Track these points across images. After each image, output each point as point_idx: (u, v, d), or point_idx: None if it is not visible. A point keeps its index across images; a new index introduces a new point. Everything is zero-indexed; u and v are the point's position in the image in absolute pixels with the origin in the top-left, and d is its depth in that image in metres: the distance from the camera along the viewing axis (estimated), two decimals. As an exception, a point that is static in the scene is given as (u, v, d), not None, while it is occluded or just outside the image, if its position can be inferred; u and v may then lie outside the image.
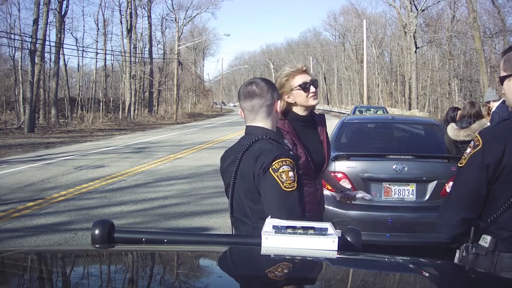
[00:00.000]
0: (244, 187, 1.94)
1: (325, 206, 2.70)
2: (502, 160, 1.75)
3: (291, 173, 1.82)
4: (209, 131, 25.12)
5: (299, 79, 2.38)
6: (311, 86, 2.41)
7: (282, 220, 1.41)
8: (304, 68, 2.44)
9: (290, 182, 1.81)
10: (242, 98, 2.01)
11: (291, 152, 1.99)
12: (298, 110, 2.45)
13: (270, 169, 1.81)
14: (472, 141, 1.87)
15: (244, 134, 2.06)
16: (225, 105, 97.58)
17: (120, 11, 39.55)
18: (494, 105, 6.21)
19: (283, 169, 1.81)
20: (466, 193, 1.85)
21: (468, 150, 1.86)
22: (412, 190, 4.40)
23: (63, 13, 30.22)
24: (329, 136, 5.05)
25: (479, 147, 1.80)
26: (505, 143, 1.75)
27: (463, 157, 1.88)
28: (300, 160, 2.14)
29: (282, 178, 1.80)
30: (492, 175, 1.77)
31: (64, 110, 33.87)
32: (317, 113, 2.62)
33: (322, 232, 1.33)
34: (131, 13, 39.45)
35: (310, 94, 2.41)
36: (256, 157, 1.87)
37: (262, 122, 1.99)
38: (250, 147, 1.92)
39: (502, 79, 1.89)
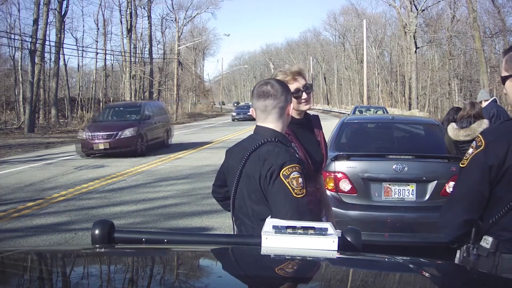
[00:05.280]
0: (249, 188, 1.93)
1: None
2: (505, 161, 1.73)
3: (300, 179, 1.83)
4: (209, 131, 25.12)
5: (292, 87, 2.35)
6: (303, 93, 2.40)
7: (282, 220, 1.40)
8: (297, 73, 2.41)
9: (300, 188, 1.82)
10: (255, 97, 2.00)
11: (297, 156, 1.99)
12: (293, 113, 2.45)
13: (280, 175, 1.82)
14: (474, 141, 1.85)
15: (253, 133, 2.05)
16: (224, 104, 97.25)
17: (120, 11, 39.58)
18: (485, 104, 6.51)
19: (294, 175, 1.82)
20: (468, 194, 1.83)
21: (470, 150, 1.83)
22: (412, 190, 4.40)
23: (63, 13, 30.22)
24: (329, 136, 5.05)
25: (482, 147, 1.78)
26: (508, 144, 1.73)
27: (465, 158, 1.86)
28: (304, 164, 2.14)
29: (293, 184, 1.81)
30: (494, 176, 1.76)
31: (64, 110, 33.87)
32: (311, 113, 2.61)
33: (322, 232, 1.32)
34: (131, 13, 39.43)
35: (302, 100, 2.41)
36: (264, 159, 1.87)
37: (272, 123, 1.98)
38: (257, 148, 1.92)
39: (503, 79, 1.86)
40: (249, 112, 36.63)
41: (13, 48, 31.16)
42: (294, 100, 2.37)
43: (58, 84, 32.27)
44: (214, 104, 75.05)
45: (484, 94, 7.17)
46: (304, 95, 2.41)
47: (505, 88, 1.87)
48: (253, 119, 2.06)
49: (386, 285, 1.23)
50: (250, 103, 2.12)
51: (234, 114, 39.67)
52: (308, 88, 2.43)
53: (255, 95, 2.00)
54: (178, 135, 23.01)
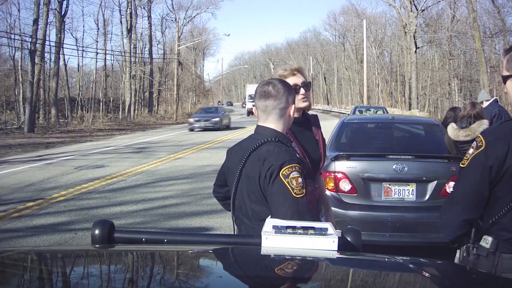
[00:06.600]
0: (248, 188, 1.93)
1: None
2: (505, 161, 1.73)
3: (300, 179, 1.83)
4: (209, 131, 25.04)
5: (290, 82, 2.36)
6: (301, 89, 2.40)
7: (282, 220, 1.41)
8: (297, 70, 2.43)
9: (300, 188, 1.82)
10: (257, 97, 2.01)
11: (297, 156, 1.99)
12: None
13: (280, 175, 1.82)
14: (474, 142, 1.85)
15: (253, 133, 2.05)
16: (230, 104, 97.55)
17: (120, 11, 39.60)
18: (486, 104, 6.53)
19: (293, 175, 1.82)
20: (468, 194, 1.83)
21: (471, 150, 1.84)
22: (412, 190, 4.40)
23: (63, 13, 30.25)
24: (329, 135, 5.04)
25: (482, 148, 1.78)
26: (508, 144, 1.73)
27: (465, 158, 1.86)
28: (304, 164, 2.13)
29: (293, 184, 1.81)
30: (494, 177, 1.76)
31: (64, 110, 33.89)
32: (310, 113, 2.62)
33: (322, 232, 1.32)
34: (131, 13, 39.45)
35: (300, 96, 2.40)
36: (264, 158, 1.87)
37: (273, 123, 1.98)
38: (257, 148, 1.92)
39: (504, 79, 1.87)
40: (215, 117, 25.60)
41: (13, 48, 31.18)
42: None
43: (58, 84, 32.28)
44: (222, 104, 75.07)
45: (485, 95, 7.22)
46: (302, 91, 2.40)
47: (506, 88, 1.87)
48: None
49: (386, 285, 1.23)
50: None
51: (191, 120, 25.83)
52: (306, 85, 2.43)
53: (257, 95, 2.01)
54: (178, 135, 23.00)
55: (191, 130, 24.88)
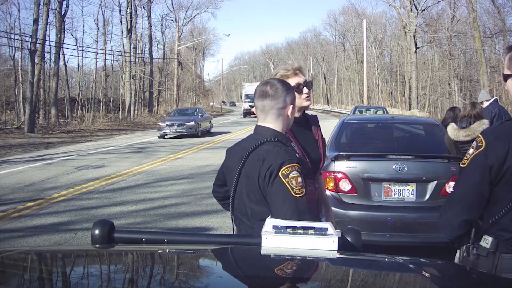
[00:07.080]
0: (248, 188, 1.93)
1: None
2: (505, 161, 1.73)
3: (299, 179, 1.83)
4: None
5: (293, 81, 2.37)
6: (305, 88, 2.41)
7: (282, 220, 1.40)
8: (298, 69, 2.43)
9: (300, 187, 1.82)
10: (256, 97, 2.02)
11: (297, 155, 1.99)
12: None
13: (280, 174, 1.81)
14: (474, 142, 1.85)
15: (252, 133, 2.06)
16: (233, 104, 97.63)
17: (120, 11, 39.57)
18: (486, 104, 6.57)
19: (293, 175, 1.82)
20: (468, 194, 1.84)
21: (471, 150, 1.84)
22: (412, 190, 4.40)
23: (63, 13, 30.24)
24: (329, 136, 5.04)
25: (482, 148, 1.78)
26: (508, 144, 1.73)
27: (465, 158, 1.86)
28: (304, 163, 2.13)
29: (292, 184, 1.81)
30: (494, 177, 1.76)
31: (64, 110, 33.89)
32: (309, 113, 2.62)
33: (322, 232, 1.32)
34: (131, 13, 39.43)
35: (303, 96, 2.41)
36: (263, 158, 1.87)
37: (271, 123, 1.99)
38: (257, 148, 1.92)
39: (506, 77, 1.87)
40: (191, 121, 21.27)
41: (13, 48, 31.24)
42: (296, 95, 2.38)
43: (58, 84, 32.28)
44: (225, 104, 74.99)
45: (485, 95, 7.26)
46: (306, 90, 2.41)
47: (506, 85, 1.87)
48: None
49: (386, 285, 1.23)
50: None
51: (161, 125, 21.05)
52: (309, 83, 2.44)
53: (256, 95, 2.02)
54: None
55: (162, 136, 20.51)
